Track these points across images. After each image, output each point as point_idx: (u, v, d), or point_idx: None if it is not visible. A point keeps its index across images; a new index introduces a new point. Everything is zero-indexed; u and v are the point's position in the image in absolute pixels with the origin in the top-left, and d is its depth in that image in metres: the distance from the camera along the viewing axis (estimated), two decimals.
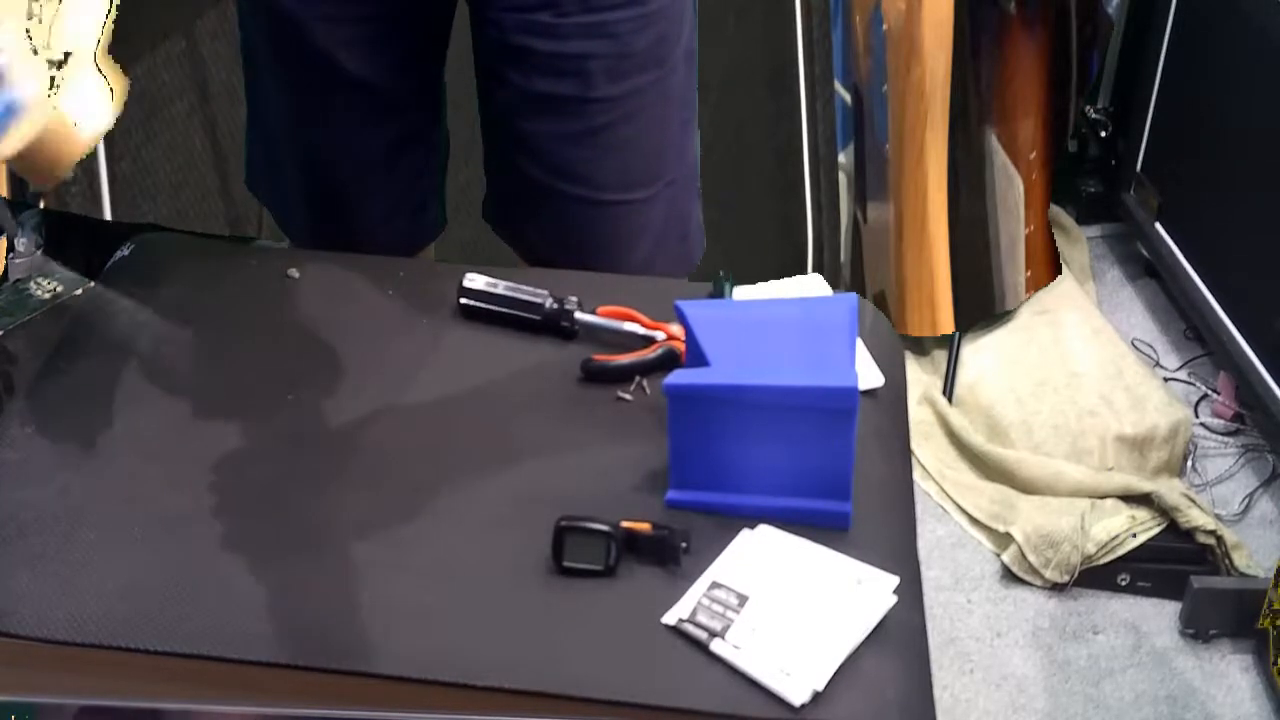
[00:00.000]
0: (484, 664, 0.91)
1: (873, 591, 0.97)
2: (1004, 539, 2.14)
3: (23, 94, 0.93)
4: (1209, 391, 2.44)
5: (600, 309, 1.21)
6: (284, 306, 1.24)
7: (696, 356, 1.04)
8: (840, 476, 1.02)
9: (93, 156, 2.14)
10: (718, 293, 1.21)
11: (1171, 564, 2.08)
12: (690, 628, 0.94)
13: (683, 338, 1.11)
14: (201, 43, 2.18)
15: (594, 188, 1.34)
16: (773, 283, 1.27)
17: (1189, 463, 2.30)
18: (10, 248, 1.89)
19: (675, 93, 1.36)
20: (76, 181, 2.11)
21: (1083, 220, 2.76)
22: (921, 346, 2.46)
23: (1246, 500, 2.25)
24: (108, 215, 2.15)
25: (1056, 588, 2.10)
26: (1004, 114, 2.47)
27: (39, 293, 1.23)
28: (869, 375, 1.17)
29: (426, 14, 1.35)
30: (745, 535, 1.01)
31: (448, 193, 1.49)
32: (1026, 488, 2.20)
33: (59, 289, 1.24)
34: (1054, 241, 2.58)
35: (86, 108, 0.98)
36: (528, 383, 1.17)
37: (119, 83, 1.01)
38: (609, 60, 1.29)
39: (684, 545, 0.99)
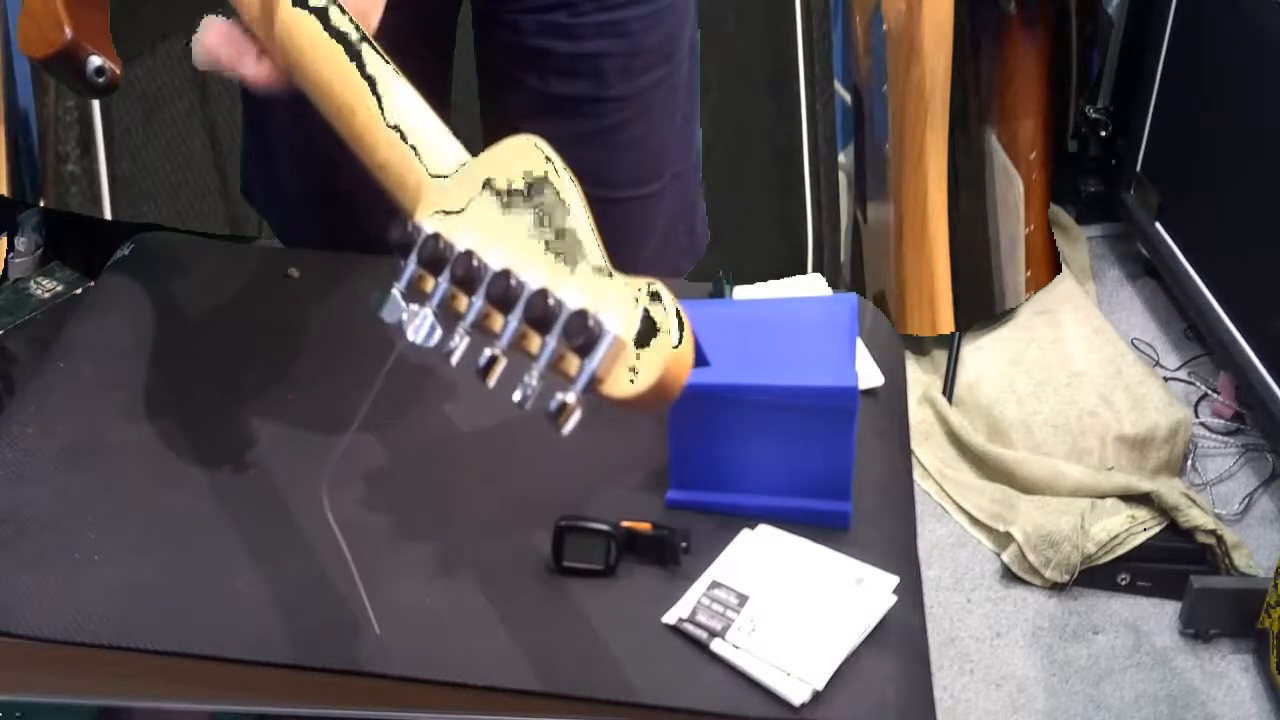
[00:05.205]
0: (484, 664, 0.91)
1: (873, 591, 0.97)
2: (1004, 539, 2.14)
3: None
4: (1209, 391, 2.44)
5: None
6: (284, 306, 1.24)
7: (696, 356, 1.04)
8: (840, 476, 1.02)
9: (93, 156, 2.14)
10: (718, 293, 1.21)
11: (1171, 564, 2.08)
12: (690, 627, 0.94)
13: None
14: None
15: (607, 187, 1.34)
16: (773, 283, 1.27)
17: (1189, 462, 2.30)
18: (10, 247, 1.89)
19: (681, 87, 1.35)
20: (76, 181, 2.12)
21: (1083, 220, 2.76)
22: (921, 346, 2.46)
23: (1246, 500, 2.25)
24: (108, 215, 2.15)
25: (1056, 587, 2.10)
26: (1004, 114, 2.47)
27: (39, 293, 1.23)
28: (869, 375, 1.17)
29: (432, 18, 1.35)
30: (745, 535, 1.01)
31: None
32: (1026, 487, 2.20)
33: (59, 289, 1.24)
34: (1054, 241, 2.58)
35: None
36: None
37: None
38: (622, 59, 1.29)
39: (684, 545, 0.99)
